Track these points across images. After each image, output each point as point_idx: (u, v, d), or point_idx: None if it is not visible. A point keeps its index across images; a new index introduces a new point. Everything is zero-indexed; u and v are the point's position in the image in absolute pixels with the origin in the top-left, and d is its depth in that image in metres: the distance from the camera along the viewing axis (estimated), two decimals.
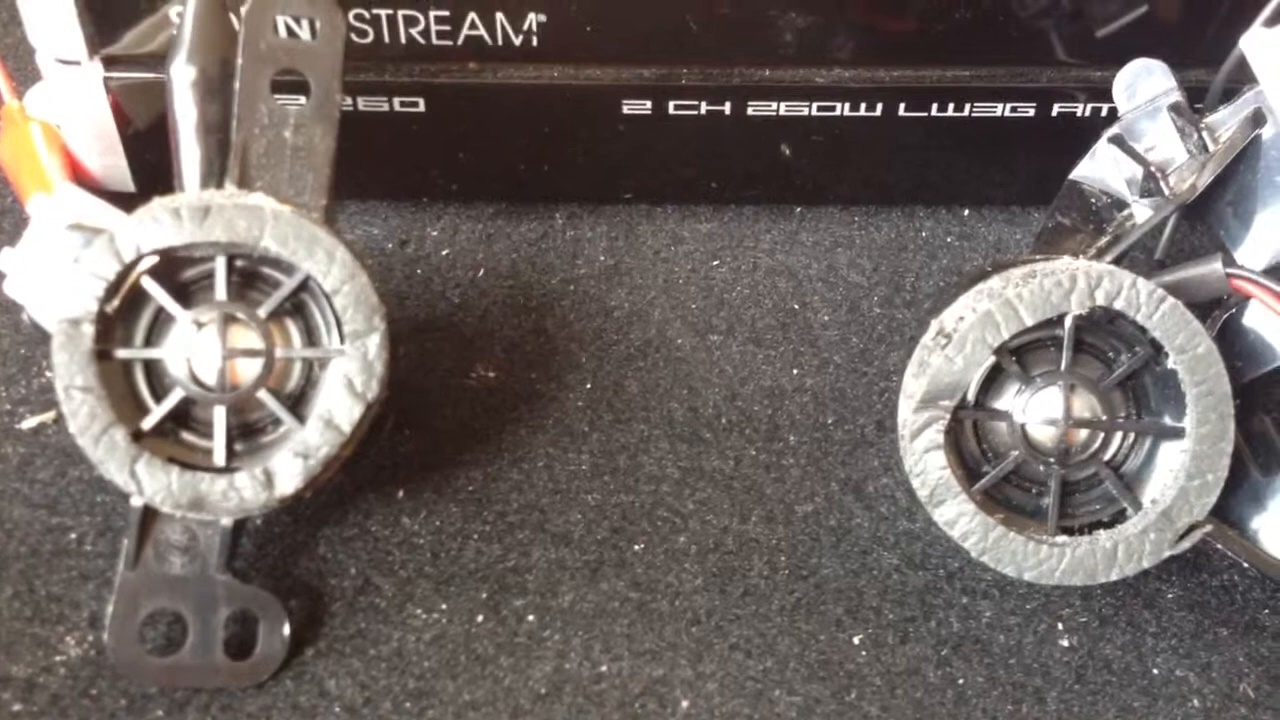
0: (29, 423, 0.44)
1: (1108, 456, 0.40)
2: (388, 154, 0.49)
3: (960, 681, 0.40)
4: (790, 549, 0.42)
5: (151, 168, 0.48)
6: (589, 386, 0.46)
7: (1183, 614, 0.42)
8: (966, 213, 0.52)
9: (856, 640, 0.41)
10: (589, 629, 0.40)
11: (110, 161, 0.48)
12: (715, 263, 0.50)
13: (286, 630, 0.39)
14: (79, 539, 0.41)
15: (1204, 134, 0.42)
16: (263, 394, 0.37)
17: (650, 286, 0.49)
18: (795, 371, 0.47)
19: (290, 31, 0.40)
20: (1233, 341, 0.40)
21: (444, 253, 0.50)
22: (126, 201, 0.42)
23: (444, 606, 0.41)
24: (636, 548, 0.42)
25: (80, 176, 0.48)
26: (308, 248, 0.37)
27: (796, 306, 0.49)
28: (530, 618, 0.40)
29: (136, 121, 0.47)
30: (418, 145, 0.49)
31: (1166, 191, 0.42)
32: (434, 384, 0.46)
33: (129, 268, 0.37)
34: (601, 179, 0.51)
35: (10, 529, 0.41)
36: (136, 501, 0.37)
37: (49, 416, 0.44)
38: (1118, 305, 0.38)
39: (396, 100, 0.47)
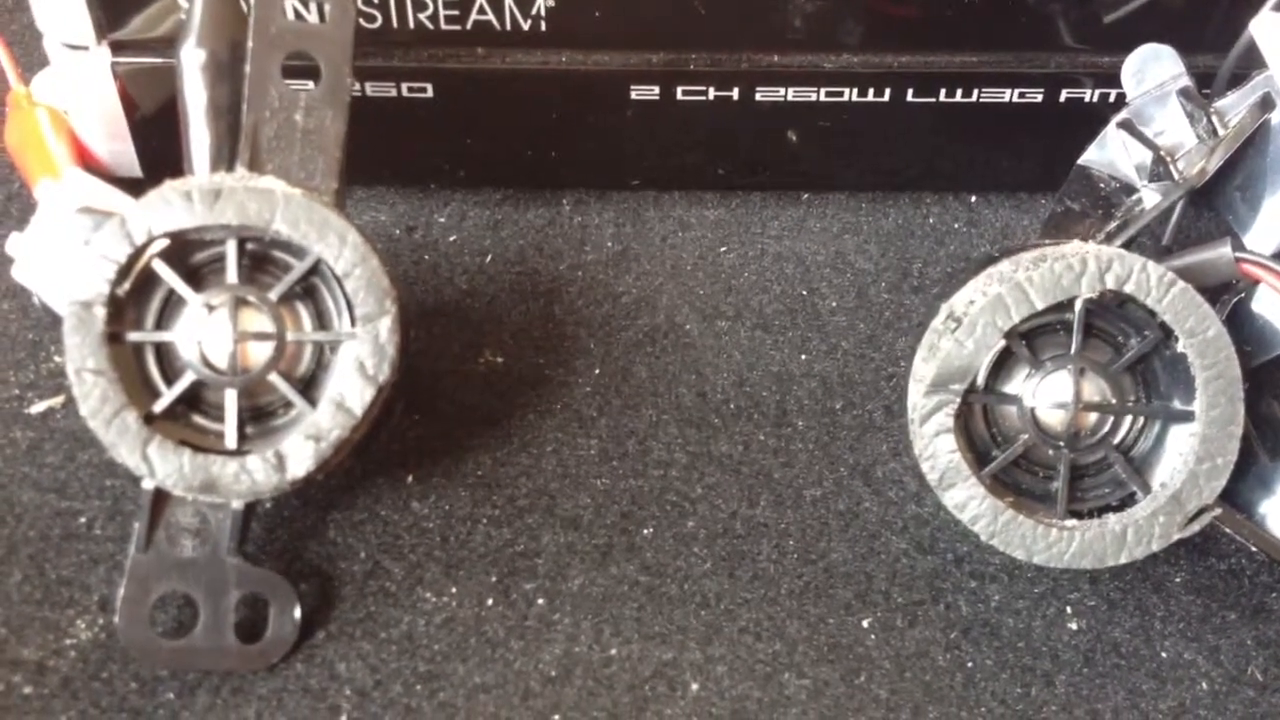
0: (38, 407, 0.44)
1: (1117, 440, 0.40)
2: (395, 140, 0.49)
3: (969, 664, 0.40)
4: (799, 533, 0.43)
5: (159, 153, 0.48)
6: (597, 372, 0.46)
7: (1191, 597, 0.42)
8: (974, 199, 0.52)
9: (865, 624, 0.41)
10: (598, 612, 0.40)
11: (118, 146, 0.48)
12: (723, 249, 0.50)
13: (297, 613, 0.39)
14: (88, 523, 0.41)
15: (1213, 119, 0.42)
16: (274, 377, 0.37)
17: (658, 272, 0.49)
18: (803, 357, 0.47)
19: (299, 15, 0.40)
20: (1242, 326, 0.40)
21: (451, 239, 0.50)
22: (134, 187, 0.42)
23: (453, 590, 0.41)
24: (645, 532, 0.42)
25: (87, 161, 0.48)
26: (319, 231, 0.37)
27: (804, 292, 0.49)
28: (540, 601, 0.41)
29: (144, 106, 0.47)
30: (425, 131, 0.49)
31: (1175, 176, 0.42)
32: (443, 369, 0.46)
33: (140, 250, 0.37)
34: (609, 165, 0.51)
35: (20, 513, 0.41)
36: (148, 484, 0.37)
37: (58, 401, 0.44)
38: (1128, 289, 0.38)
39: (404, 85, 0.47)
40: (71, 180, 0.44)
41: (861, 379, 0.47)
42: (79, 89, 0.47)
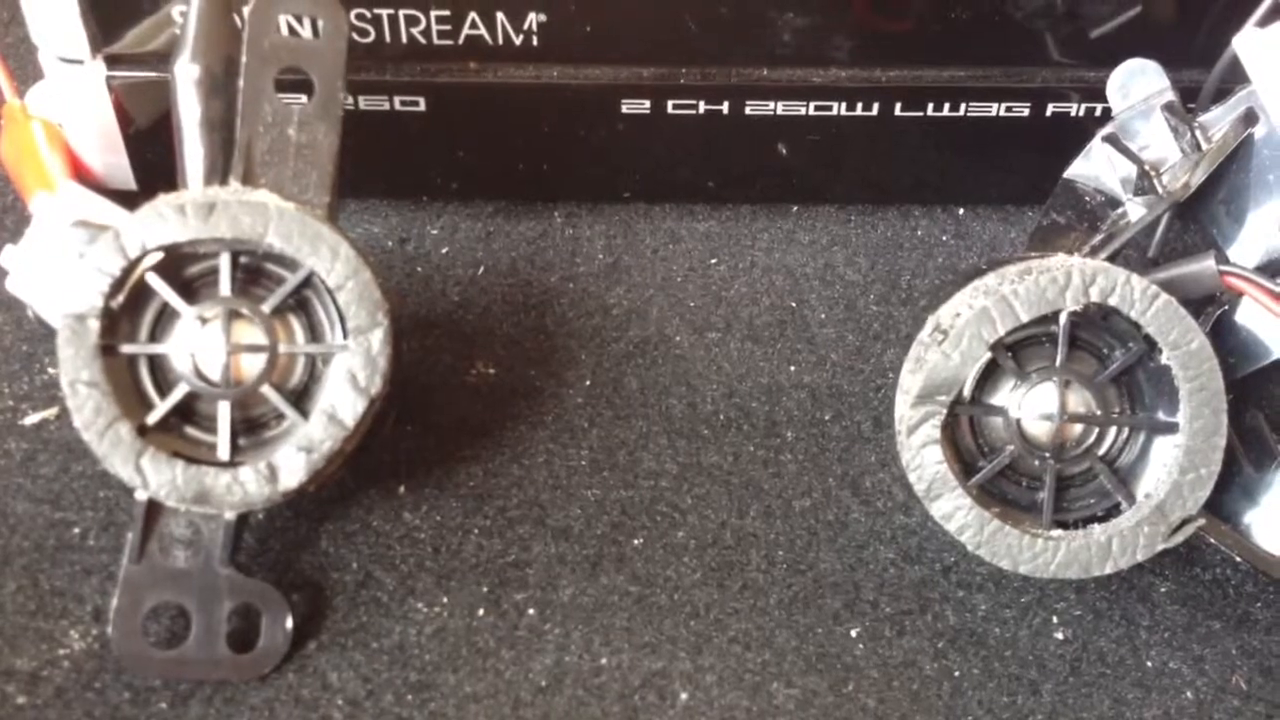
0: (32, 419, 0.44)
1: (1102, 451, 0.40)
2: (388, 153, 0.49)
3: (956, 674, 0.40)
4: (788, 544, 0.43)
5: (153, 166, 0.48)
6: (588, 383, 0.47)
7: (1176, 607, 0.42)
8: (962, 212, 0.53)
9: (854, 633, 0.41)
10: (589, 622, 0.41)
11: (112, 160, 0.48)
12: (713, 261, 0.51)
13: (289, 624, 0.39)
14: (82, 534, 0.42)
15: (1197, 133, 0.43)
16: (266, 389, 0.38)
17: (649, 284, 0.50)
18: (792, 368, 0.47)
19: (293, 30, 0.40)
20: (1225, 338, 0.41)
21: (444, 251, 0.50)
22: (128, 200, 0.42)
23: (445, 600, 0.41)
24: (636, 542, 0.43)
25: (82, 175, 0.48)
26: (311, 244, 0.37)
27: (794, 304, 0.49)
28: (531, 611, 0.41)
29: (139, 120, 0.47)
30: (418, 144, 0.49)
31: (1160, 190, 0.42)
32: (435, 381, 0.46)
33: (134, 264, 0.37)
34: (600, 178, 0.51)
35: (14, 524, 0.42)
36: (141, 495, 0.38)
37: (52, 413, 0.44)
38: (1112, 301, 0.38)
39: (397, 99, 0.47)
40: (66, 193, 0.45)
41: (850, 390, 0.47)
42: (74, 102, 0.47)
